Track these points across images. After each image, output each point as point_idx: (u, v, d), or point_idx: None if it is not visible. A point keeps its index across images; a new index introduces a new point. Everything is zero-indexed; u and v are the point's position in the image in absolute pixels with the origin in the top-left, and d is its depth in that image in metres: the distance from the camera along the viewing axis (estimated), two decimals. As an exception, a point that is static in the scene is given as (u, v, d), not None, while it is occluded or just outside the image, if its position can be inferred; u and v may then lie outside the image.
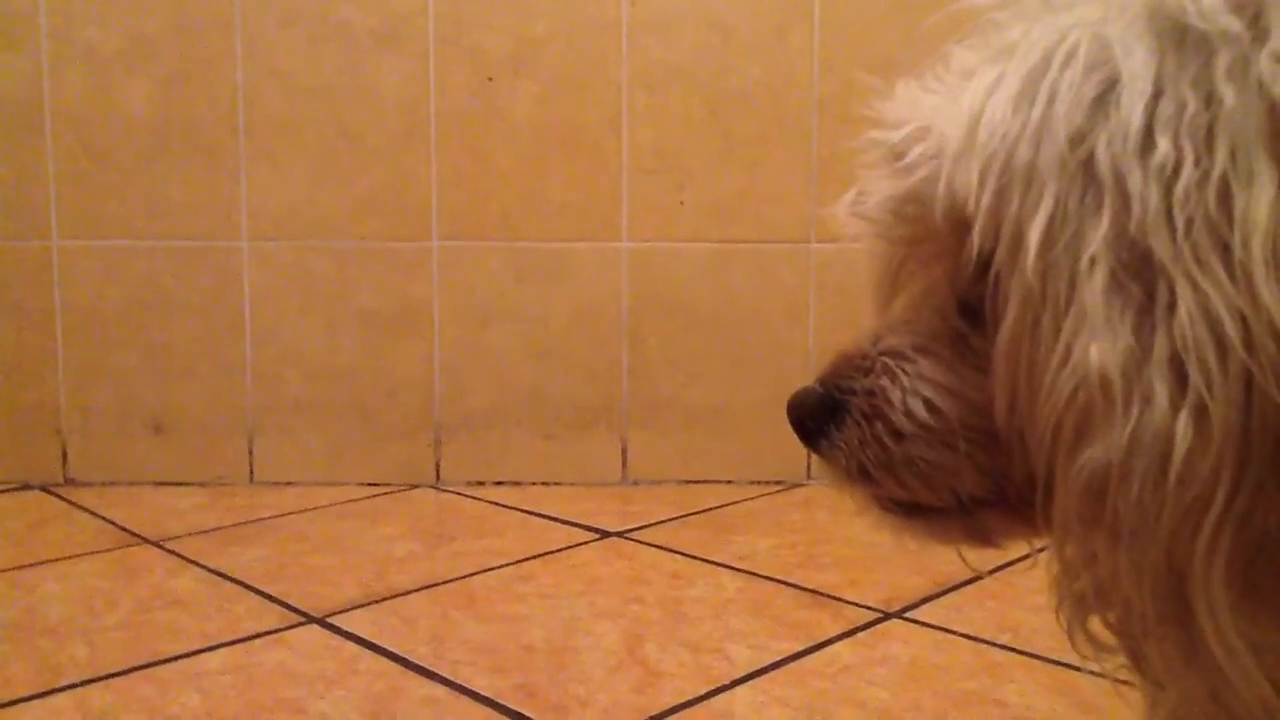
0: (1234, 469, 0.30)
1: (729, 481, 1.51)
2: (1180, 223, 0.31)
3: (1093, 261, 0.32)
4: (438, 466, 1.52)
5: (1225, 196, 0.31)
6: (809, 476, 1.52)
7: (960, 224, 0.37)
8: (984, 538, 0.42)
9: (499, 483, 1.52)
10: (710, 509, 1.38)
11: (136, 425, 1.51)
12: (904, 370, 0.40)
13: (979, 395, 0.38)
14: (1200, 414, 0.30)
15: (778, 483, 1.51)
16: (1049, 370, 0.33)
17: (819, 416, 0.42)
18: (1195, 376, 0.30)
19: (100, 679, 0.86)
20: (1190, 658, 0.33)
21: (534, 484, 1.51)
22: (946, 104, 0.39)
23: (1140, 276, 0.32)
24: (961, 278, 0.39)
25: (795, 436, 0.44)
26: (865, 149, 0.43)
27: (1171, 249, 0.31)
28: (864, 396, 0.41)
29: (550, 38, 1.47)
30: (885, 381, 0.40)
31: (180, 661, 0.90)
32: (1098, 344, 0.32)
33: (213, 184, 1.49)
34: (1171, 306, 0.31)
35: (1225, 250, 0.31)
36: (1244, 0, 0.33)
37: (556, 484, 1.51)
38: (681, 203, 1.49)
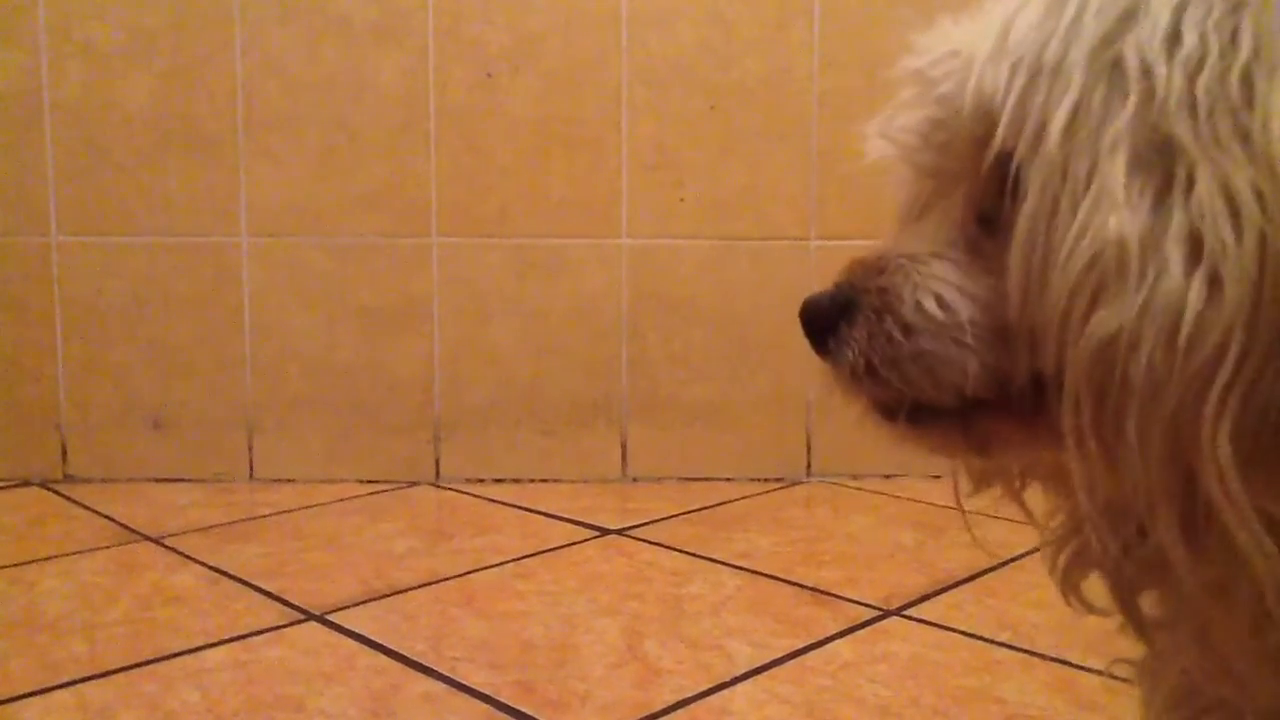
0: (1244, 336, 0.31)
1: (729, 478, 1.51)
2: (1203, 109, 0.33)
3: (1115, 143, 0.34)
4: (437, 463, 1.52)
5: (1247, 85, 0.33)
6: (809, 474, 1.52)
7: (985, 133, 0.38)
8: (983, 445, 0.42)
9: (498, 479, 1.52)
10: (710, 506, 1.38)
11: (136, 421, 1.51)
12: (917, 270, 0.41)
13: (990, 296, 0.39)
14: (1214, 282, 0.32)
15: (778, 480, 1.51)
16: (1064, 245, 0.34)
17: (830, 314, 0.43)
18: (1211, 244, 0.32)
19: (100, 675, 0.86)
20: (1194, 541, 0.33)
21: (533, 481, 1.51)
22: (976, 27, 0.40)
23: (1161, 159, 0.33)
24: (981, 192, 0.40)
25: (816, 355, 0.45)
26: (900, 79, 0.43)
27: (1193, 133, 0.33)
28: (876, 294, 0.41)
29: (549, 33, 1.47)
30: (898, 279, 0.41)
31: (180, 658, 0.90)
32: (1116, 215, 0.33)
33: (212, 180, 1.48)
34: (1190, 185, 0.33)
35: (1245, 135, 0.32)
36: None
37: (556, 481, 1.51)
38: (681, 199, 1.49)
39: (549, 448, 1.52)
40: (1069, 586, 0.43)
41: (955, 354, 0.39)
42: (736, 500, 1.41)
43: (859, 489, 1.46)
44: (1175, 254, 0.32)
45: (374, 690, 0.83)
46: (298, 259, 1.49)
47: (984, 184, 0.39)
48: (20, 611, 1.01)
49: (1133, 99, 0.34)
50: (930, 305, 0.39)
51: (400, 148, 1.48)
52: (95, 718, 0.79)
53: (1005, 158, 0.37)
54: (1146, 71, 0.34)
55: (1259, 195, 0.31)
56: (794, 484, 1.50)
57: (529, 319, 1.51)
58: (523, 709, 0.80)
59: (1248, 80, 0.33)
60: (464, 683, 0.85)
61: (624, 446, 1.52)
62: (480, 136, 1.48)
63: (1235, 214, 0.32)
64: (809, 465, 1.52)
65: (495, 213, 1.49)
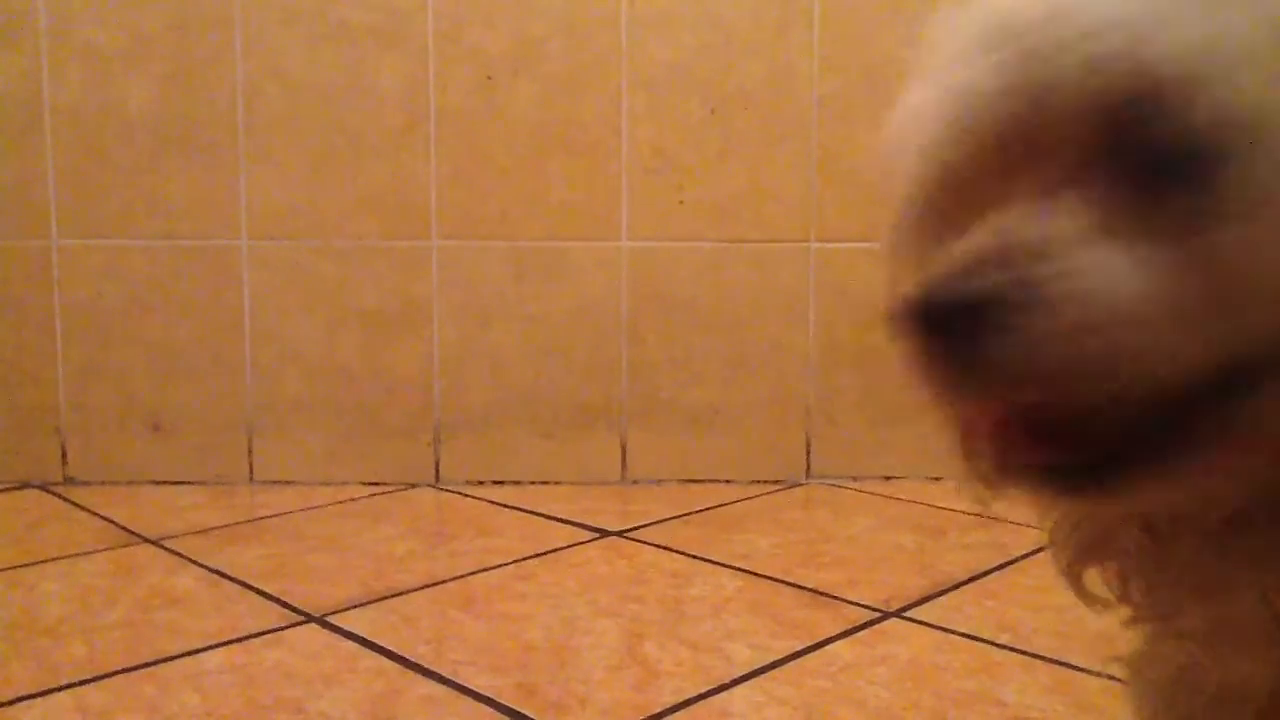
0: None
1: (729, 481, 1.51)
2: None
3: None
4: (437, 466, 1.52)
5: None
6: (809, 476, 1.52)
7: (1121, 101, 0.32)
8: (1204, 490, 0.35)
9: (498, 482, 1.52)
10: (710, 508, 1.38)
11: (136, 424, 1.51)
12: (1083, 256, 0.33)
13: (1160, 287, 0.32)
14: None
15: (777, 482, 1.51)
16: None
17: (989, 310, 0.33)
18: None
19: (99, 678, 0.86)
20: None
21: (534, 483, 1.51)
22: None
23: None
24: (1114, 165, 0.33)
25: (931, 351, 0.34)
26: (961, 32, 0.36)
27: None
28: (1045, 285, 0.33)
29: (550, 36, 1.47)
30: (1068, 266, 0.33)
31: (180, 660, 0.90)
32: None
33: (212, 183, 1.49)
34: None
35: None
36: None
37: (556, 483, 1.51)
38: (681, 202, 1.49)
39: (549, 450, 1.52)
40: (1072, 579, 0.41)
41: (1149, 343, 0.32)
42: (736, 502, 1.41)
43: (859, 491, 1.46)
44: None
45: (374, 693, 0.83)
46: (298, 262, 1.50)
47: (1121, 159, 0.33)
48: (20, 614, 1.01)
49: None
50: (1098, 297, 0.32)
51: (400, 151, 1.48)
52: (95, 720, 0.79)
53: (1180, 139, 0.32)
54: None
55: None
56: (794, 486, 1.50)
57: (529, 321, 1.51)
58: (523, 711, 0.80)
59: None
60: (464, 685, 0.85)
61: (624, 448, 1.52)
62: (480, 140, 1.48)
63: None
64: (809, 467, 1.52)
65: (495, 215, 1.49)
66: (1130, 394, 0.33)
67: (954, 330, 0.34)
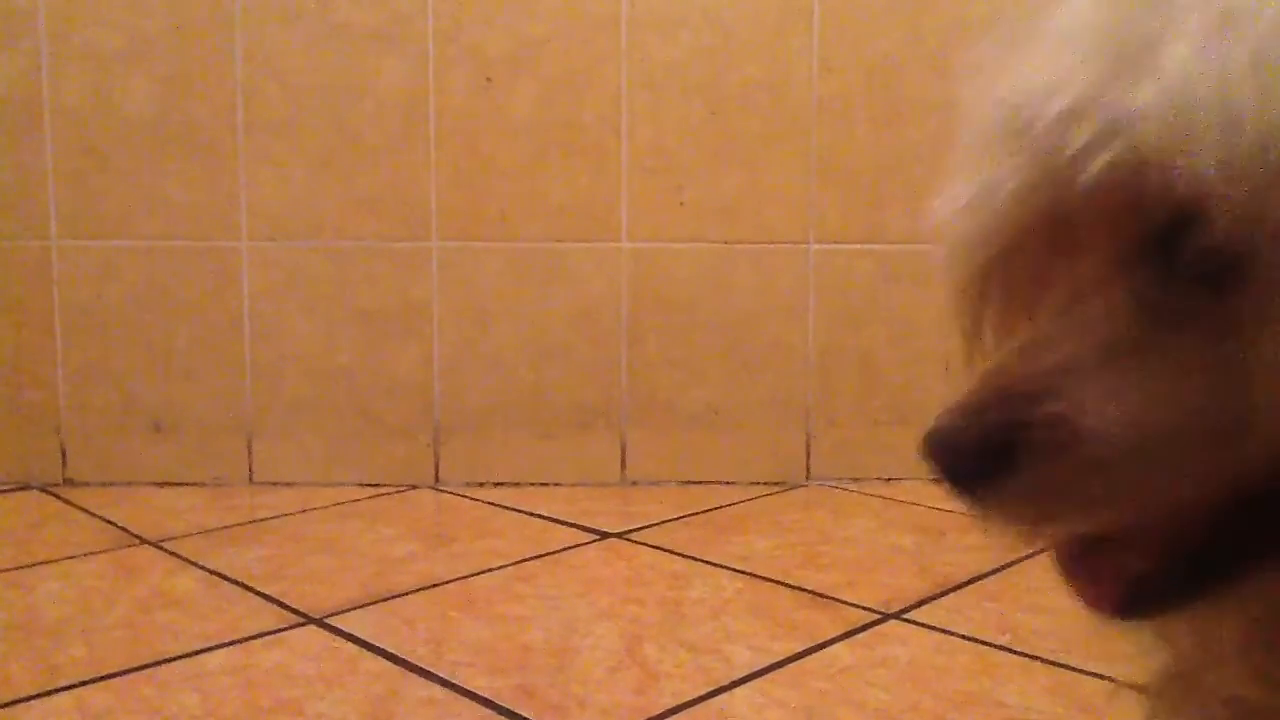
0: None
1: (728, 482, 1.51)
2: None
3: None
4: (437, 467, 1.52)
5: None
6: (808, 477, 1.52)
7: (1143, 202, 0.31)
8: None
9: (498, 483, 1.52)
10: (710, 509, 1.38)
11: (136, 425, 1.51)
12: (1087, 388, 0.32)
13: (1183, 408, 0.32)
14: None
15: (777, 483, 1.51)
16: None
17: (983, 458, 0.33)
18: None
19: (99, 679, 0.86)
20: None
21: (533, 484, 1.51)
22: (1113, 66, 0.31)
23: None
24: (1141, 272, 0.33)
25: (941, 474, 0.35)
26: (981, 124, 0.35)
27: None
28: (1041, 429, 0.32)
29: (549, 37, 1.47)
30: (1065, 406, 0.32)
31: (179, 662, 0.90)
32: None
33: (212, 183, 1.49)
34: None
35: None
36: None
37: (556, 484, 1.51)
38: (681, 203, 1.49)
39: (549, 451, 1.52)
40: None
41: (1160, 480, 0.32)
42: (736, 504, 1.41)
43: (858, 492, 1.46)
44: None
45: (374, 694, 0.83)
46: (298, 263, 1.50)
47: (1149, 265, 0.32)
48: (19, 615, 1.01)
49: None
50: (1123, 431, 0.32)
51: (400, 152, 1.48)
52: (95, 721, 0.79)
53: (1208, 245, 0.30)
54: None
55: None
56: (793, 487, 1.50)
57: (529, 323, 1.51)
58: (522, 713, 0.80)
59: None
60: (464, 687, 0.85)
61: (623, 450, 1.52)
62: (480, 140, 1.48)
63: None
64: (808, 469, 1.52)
65: (495, 216, 1.49)
66: (1157, 522, 0.33)
67: (958, 474, 0.34)
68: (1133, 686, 0.43)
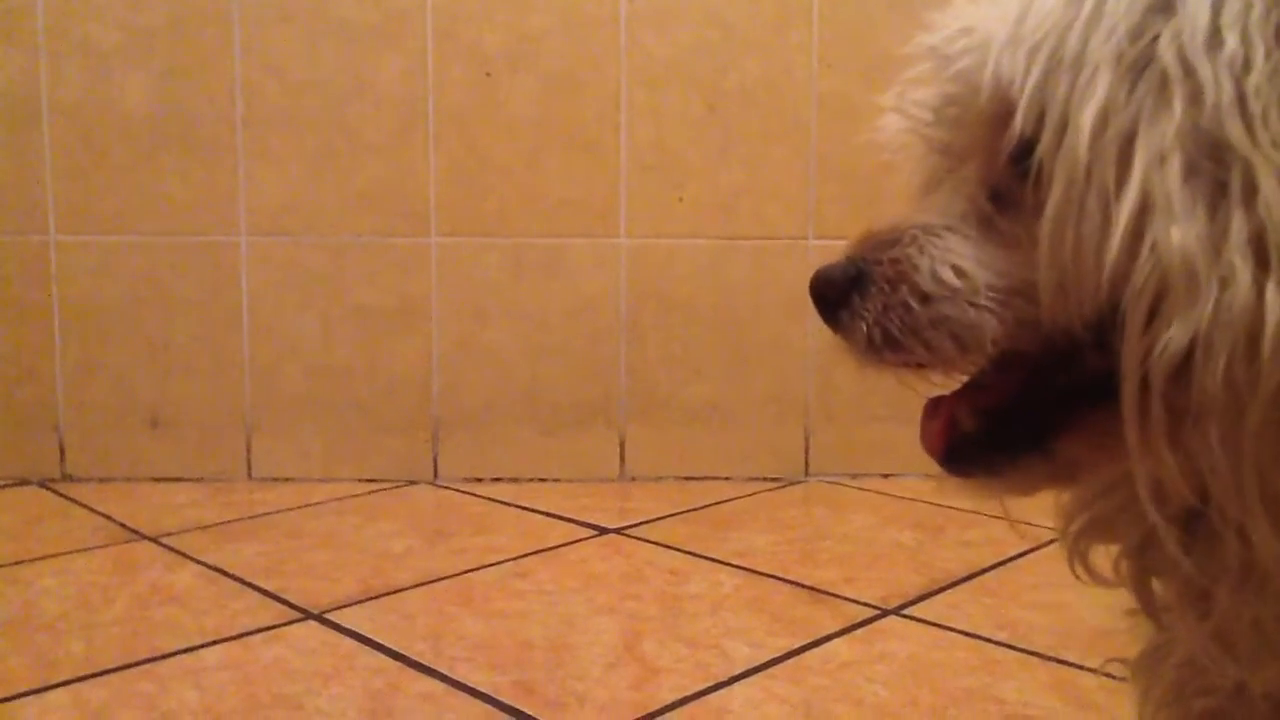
0: None
1: (727, 478, 1.51)
2: (1255, 111, 0.33)
3: (1165, 151, 0.34)
4: (435, 462, 1.52)
5: None
6: (807, 473, 1.52)
7: (999, 114, 0.38)
8: (1069, 471, 0.41)
9: (497, 479, 1.52)
10: (708, 505, 1.38)
11: (134, 421, 1.51)
12: (931, 241, 0.41)
13: (1005, 268, 0.39)
14: None
15: (776, 479, 1.51)
16: (1101, 250, 0.35)
17: (841, 286, 0.42)
18: None
19: (98, 675, 0.86)
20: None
21: (532, 480, 1.51)
22: (994, 9, 0.40)
23: (1214, 164, 0.33)
24: (994, 167, 0.40)
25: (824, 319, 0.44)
26: (914, 56, 0.44)
27: (1248, 137, 0.33)
28: (889, 264, 0.41)
29: (548, 33, 1.47)
30: (912, 250, 0.41)
31: (178, 657, 0.90)
32: (1178, 227, 0.33)
33: (211, 179, 1.48)
34: (1250, 191, 0.32)
35: None
36: None
37: (554, 480, 1.51)
38: (680, 199, 1.49)
39: (547, 447, 1.52)
40: (1077, 555, 0.43)
41: (974, 317, 0.39)
42: (734, 500, 1.41)
43: (857, 488, 1.46)
44: (1240, 262, 0.32)
45: (372, 690, 0.83)
46: (296, 259, 1.49)
47: (998, 162, 0.40)
48: (18, 610, 1.01)
49: (1178, 103, 0.34)
50: (947, 274, 0.40)
51: (399, 148, 1.48)
52: (93, 717, 0.79)
53: (1023, 143, 0.37)
54: (1190, 73, 0.34)
55: None
56: (792, 483, 1.50)
57: (527, 319, 1.51)
58: (521, 708, 0.80)
59: None
60: (463, 682, 0.85)
61: (622, 446, 1.52)
62: (479, 137, 1.48)
63: None
64: (807, 464, 1.52)
65: (494, 213, 1.49)
66: (964, 357, 0.40)
67: (825, 299, 0.43)
68: (1120, 663, 0.44)
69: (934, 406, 0.44)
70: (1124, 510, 0.41)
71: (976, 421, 0.42)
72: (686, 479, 1.51)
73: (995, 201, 0.40)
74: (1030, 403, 0.40)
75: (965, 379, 0.43)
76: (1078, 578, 0.43)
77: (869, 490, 1.45)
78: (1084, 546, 0.43)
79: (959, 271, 0.40)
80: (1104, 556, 0.43)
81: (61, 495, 1.44)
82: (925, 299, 0.40)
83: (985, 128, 0.40)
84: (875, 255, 0.42)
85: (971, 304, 0.39)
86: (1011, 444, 0.41)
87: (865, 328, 0.41)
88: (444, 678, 0.86)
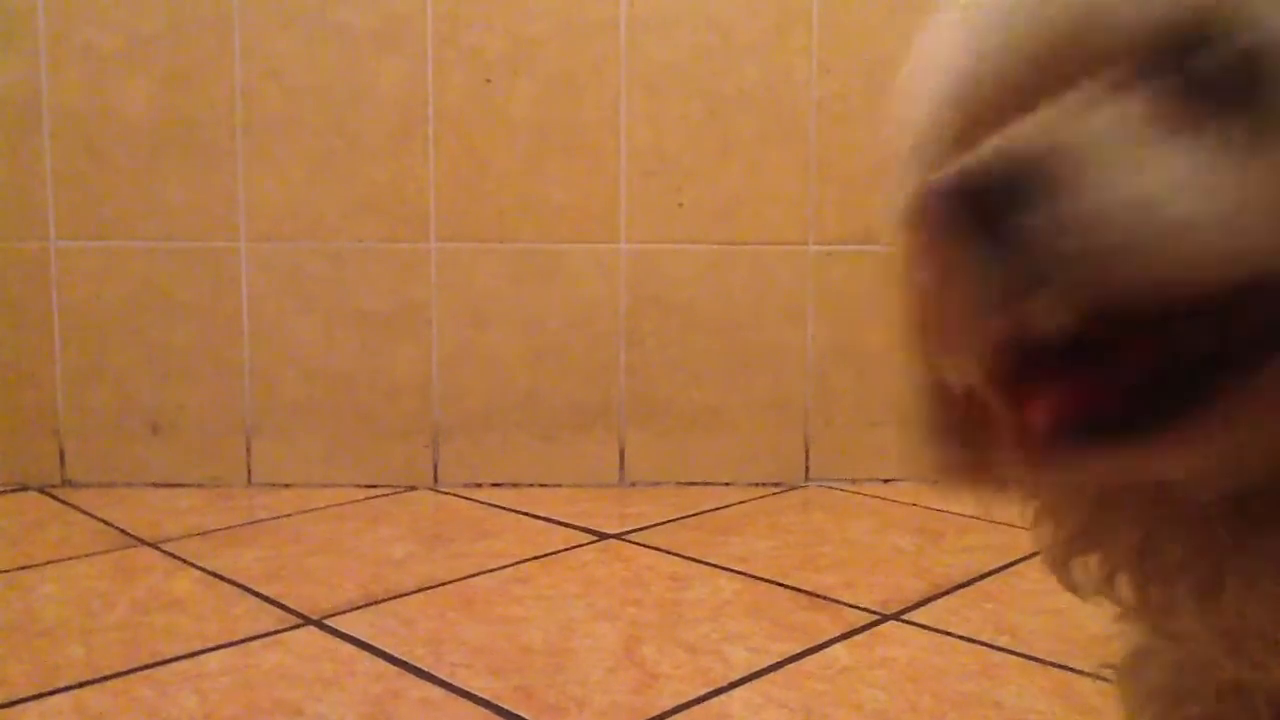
0: None
1: (727, 483, 1.51)
2: None
3: None
4: (435, 468, 1.52)
5: None
6: (807, 478, 1.52)
7: (1174, 23, 0.30)
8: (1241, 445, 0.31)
9: (497, 484, 1.52)
10: (708, 510, 1.38)
11: (134, 426, 1.51)
12: (1104, 155, 0.30)
13: (1188, 193, 0.29)
14: None
15: (776, 484, 1.51)
16: None
17: (1012, 183, 0.30)
18: None
19: (98, 680, 0.86)
20: None
21: (532, 485, 1.51)
22: None
23: None
24: (1159, 79, 0.31)
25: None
26: None
27: None
28: (1063, 169, 0.30)
29: (548, 38, 1.47)
30: (1083, 159, 0.30)
31: (178, 663, 0.90)
32: None
33: (211, 184, 1.49)
34: None
35: None
36: None
37: (554, 485, 1.51)
38: (680, 204, 1.49)
39: (547, 452, 1.52)
40: (1059, 567, 0.39)
41: (1181, 250, 0.29)
42: (734, 505, 1.41)
43: (857, 493, 1.46)
44: None
45: (372, 695, 0.83)
46: (296, 264, 1.50)
47: (1172, 76, 0.31)
48: (18, 616, 1.01)
49: None
50: (1130, 195, 0.29)
51: (399, 153, 1.48)
52: (93, 722, 0.79)
53: (1236, 59, 0.29)
54: None
55: None
56: (792, 489, 1.50)
57: (527, 324, 1.51)
58: (521, 714, 0.80)
59: None
60: (463, 688, 0.85)
61: (622, 451, 1.52)
62: (479, 142, 1.48)
63: None
64: (807, 470, 1.52)
65: (494, 218, 1.49)
66: (1170, 311, 0.30)
67: (986, 201, 0.31)
68: (1112, 668, 0.43)
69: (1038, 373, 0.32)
70: (1120, 512, 0.39)
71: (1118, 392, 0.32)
72: (686, 484, 1.51)
73: (1162, 120, 0.31)
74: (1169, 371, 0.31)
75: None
76: (1069, 589, 0.40)
77: (869, 495, 1.45)
78: (1064, 559, 0.39)
79: (1143, 201, 0.29)
80: (1081, 567, 0.41)
81: (61, 501, 1.44)
82: (1104, 221, 0.29)
83: (1144, 35, 0.31)
84: (1035, 161, 0.30)
85: (1159, 240, 0.29)
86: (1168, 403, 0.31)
87: (1037, 252, 0.30)
88: (444, 683, 0.86)
